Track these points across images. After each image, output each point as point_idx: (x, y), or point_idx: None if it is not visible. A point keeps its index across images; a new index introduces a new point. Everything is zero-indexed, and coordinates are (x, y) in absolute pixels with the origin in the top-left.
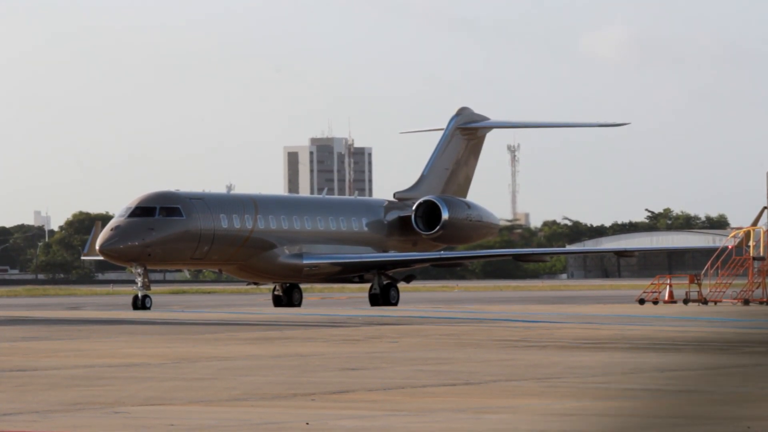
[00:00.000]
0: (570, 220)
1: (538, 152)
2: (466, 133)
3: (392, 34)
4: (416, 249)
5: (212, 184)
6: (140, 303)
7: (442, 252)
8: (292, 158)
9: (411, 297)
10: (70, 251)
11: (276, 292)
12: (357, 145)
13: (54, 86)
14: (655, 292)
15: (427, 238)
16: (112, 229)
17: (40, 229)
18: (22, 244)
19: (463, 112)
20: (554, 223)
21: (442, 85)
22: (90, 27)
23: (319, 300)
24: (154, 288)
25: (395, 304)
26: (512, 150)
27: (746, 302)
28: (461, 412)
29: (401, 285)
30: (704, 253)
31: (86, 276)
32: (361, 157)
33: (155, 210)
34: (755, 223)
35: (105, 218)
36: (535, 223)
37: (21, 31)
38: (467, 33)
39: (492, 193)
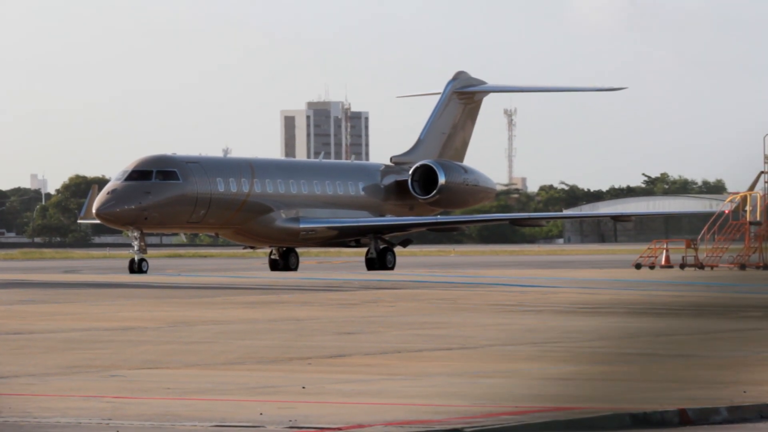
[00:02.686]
0: (567, 184)
1: (535, 117)
2: (463, 98)
3: None
4: (413, 213)
5: (209, 148)
6: (136, 267)
7: (438, 216)
8: (289, 122)
9: (407, 261)
10: (67, 215)
11: (272, 256)
12: (354, 109)
13: (51, 49)
14: (652, 256)
15: (424, 203)
16: (108, 193)
17: (37, 192)
18: (19, 207)
19: (459, 76)
20: (551, 187)
21: (439, 50)
22: None
23: (316, 264)
24: (150, 252)
25: (392, 268)
26: (509, 114)
27: (743, 267)
28: (457, 376)
29: (398, 249)
30: (701, 218)
31: (82, 239)
32: (357, 121)
33: (152, 173)
34: (752, 188)
35: (102, 182)
36: (532, 187)
37: None
38: None
39: (489, 157)
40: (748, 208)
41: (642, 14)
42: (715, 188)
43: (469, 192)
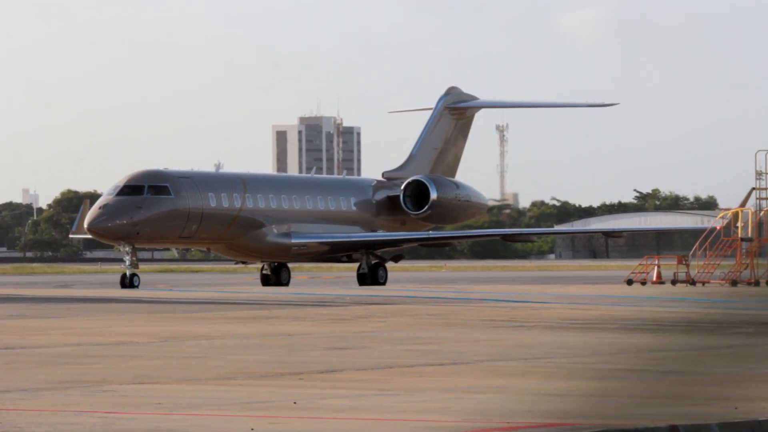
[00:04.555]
0: (558, 200)
1: (527, 132)
2: (455, 113)
3: (381, 12)
4: (405, 228)
5: (201, 163)
6: (128, 281)
7: (430, 232)
8: (281, 137)
9: (399, 276)
10: (59, 229)
11: (264, 272)
12: (346, 124)
13: (42, 63)
14: (643, 272)
15: (416, 218)
16: (100, 208)
17: (29, 207)
18: (10, 222)
19: (451, 91)
20: (542, 203)
21: (431, 65)
22: (78, 2)
23: (308, 279)
24: (142, 266)
25: (383, 283)
26: (501, 130)
27: (734, 283)
28: (449, 391)
29: (389, 264)
30: (692, 234)
31: (74, 254)
32: (349, 136)
33: (143, 188)
34: (743, 203)
35: (93, 196)
36: (524, 203)
37: (3, 6)
38: (453, 13)
39: (480, 173)
40: (739, 224)
41: (632, 30)
42: (707, 204)
43: (461, 207)
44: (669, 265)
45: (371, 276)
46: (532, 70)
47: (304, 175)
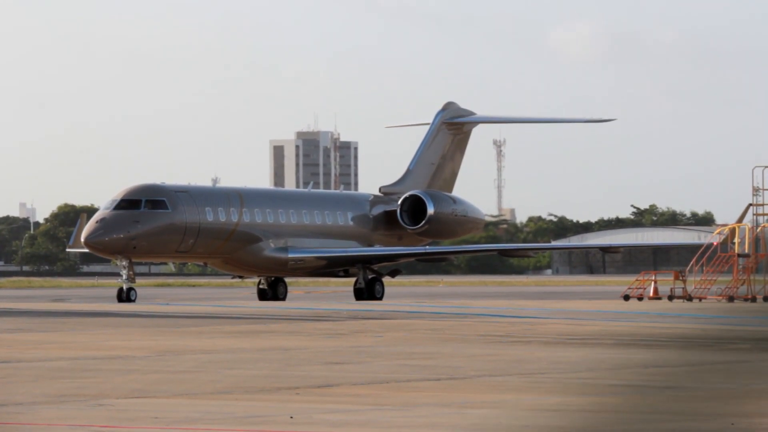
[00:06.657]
0: (555, 215)
1: (524, 148)
2: (453, 128)
3: (378, 28)
4: (401, 243)
5: (198, 177)
6: (125, 296)
7: (427, 247)
8: (278, 152)
9: (396, 291)
10: (56, 243)
11: (261, 286)
12: (343, 139)
13: (40, 77)
14: (640, 288)
15: (413, 233)
16: (97, 222)
17: (26, 220)
18: (7, 235)
19: (449, 106)
20: (540, 218)
21: (428, 80)
22: (75, 16)
23: (304, 294)
24: (138, 281)
25: (380, 298)
26: (498, 145)
27: (731, 299)
28: (445, 406)
29: (386, 279)
30: (689, 250)
31: (71, 268)
32: (347, 151)
33: (141, 202)
34: (740, 220)
35: (90, 210)
36: (521, 218)
37: (2, 20)
38: (451, 29)
39: (478, 188)
40: (736, 240)
41: (629, 46)
42: (704, 220)
43: (458, 222)
44: (666, 281)
45: (368, 291)
46: (529, 86)
47: (301, 189)
